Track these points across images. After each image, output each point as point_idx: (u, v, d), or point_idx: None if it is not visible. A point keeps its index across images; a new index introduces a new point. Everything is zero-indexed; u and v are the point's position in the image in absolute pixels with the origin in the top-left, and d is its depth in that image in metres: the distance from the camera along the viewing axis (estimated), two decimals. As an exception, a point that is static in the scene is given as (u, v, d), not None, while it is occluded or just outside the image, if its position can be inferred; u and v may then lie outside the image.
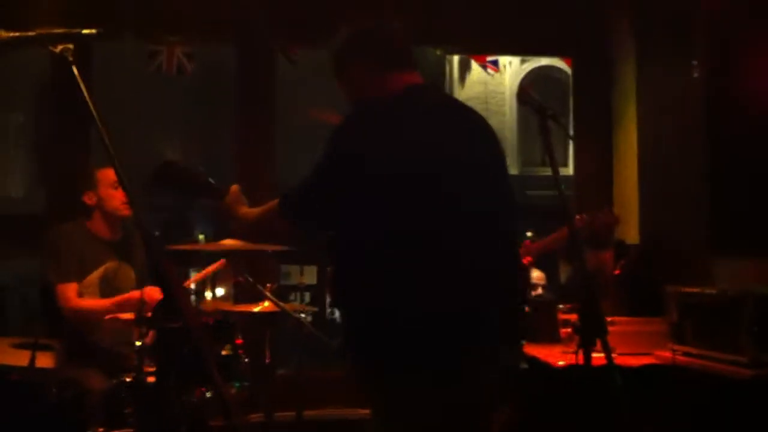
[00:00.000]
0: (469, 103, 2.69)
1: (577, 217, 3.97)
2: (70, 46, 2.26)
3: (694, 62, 4.30)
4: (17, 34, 2.25)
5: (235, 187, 2.69)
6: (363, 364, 2.29)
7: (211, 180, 2.68)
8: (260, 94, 5.39)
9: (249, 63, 5.39)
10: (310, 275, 7.30)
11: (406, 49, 2.54)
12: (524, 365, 3.63)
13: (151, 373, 3.22)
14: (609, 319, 2.30)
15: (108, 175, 4.06)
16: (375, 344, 2.26)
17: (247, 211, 2.65)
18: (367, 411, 2.40)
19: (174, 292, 2.11)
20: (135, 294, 3.64)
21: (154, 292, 3.53)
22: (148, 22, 5.06)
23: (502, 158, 2.49)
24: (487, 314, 2.23)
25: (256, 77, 5.38)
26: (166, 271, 2.09)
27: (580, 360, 2.13)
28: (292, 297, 7.28)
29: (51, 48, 2.26)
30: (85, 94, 2.24)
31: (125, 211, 4.05)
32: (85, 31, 2.27)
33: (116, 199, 4.04)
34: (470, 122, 2.47)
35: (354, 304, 2.34)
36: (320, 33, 5.23)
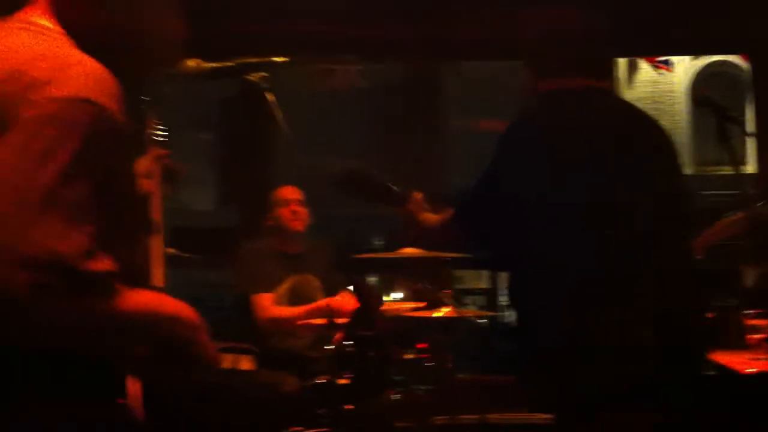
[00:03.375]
0: (639, 104, 2.68)
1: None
2: (264, 74, 2.43)
3: None
4: (217, 65, 2.45)
5: (418, 194, 2.78)
6: (534, 369, 2.35)
7: (394, 187, 2.79)
8: (427, 107, 5.52)
9: (415, 77, 5.55)
10: (484, 279, 7.35)
11: (588, 54, 2.55)
12: (709, 372, 3.55)
13: (342, 376, 3.39)
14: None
15: (284, 193, 4.35)
16: (544, 350, 2.31)
17: (429, 217, 2.74)
18: (548, 415, 2.45)
19: (368, 301, 2.25)
20: (323, 302, 3.84)
21: (341, 301, 3.73)
22: (323, 44, 5.29)
23: (664, 169, 2.48)
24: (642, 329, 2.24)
25: (422, 91, 5.52)
26: (360, 282, 2.23)
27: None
28: (467, 301, 7.36)
29: (246, 77, 2.45)
30: (279, 119, 2.42)
31: (298, 227, 4.31)
32: (277, 59, 2.44)
33: (290, 216, 4.31)
34: (631, 132, 2.46)
35: (525, 311, 2.40)
36: (481, 47, 5.33)
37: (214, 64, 2.43)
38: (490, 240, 2.52)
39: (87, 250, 1.35)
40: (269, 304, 4.13)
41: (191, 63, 2.37)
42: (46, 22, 1.61)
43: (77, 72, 1.45)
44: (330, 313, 3.55)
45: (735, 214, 3.75)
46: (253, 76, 2.43)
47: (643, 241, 2.29)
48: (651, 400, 2.20)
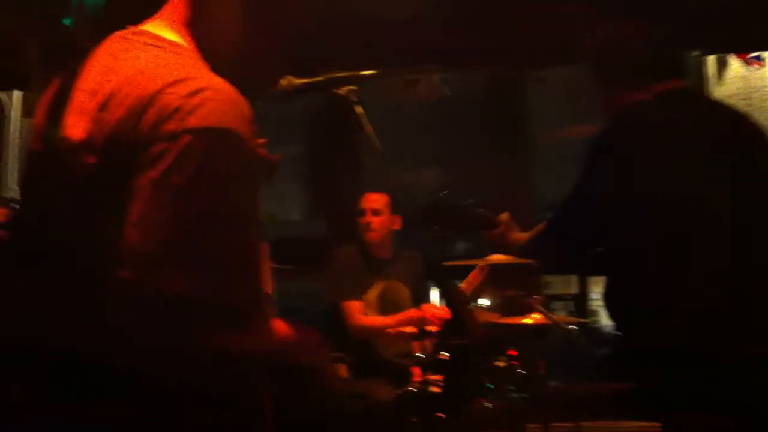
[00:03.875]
0: (730, 101, 2.66)
1: None
2: (354, 87, 2.47)
3: None
4: (307, 80, 2.50)
5: (505, 216, 2.79)
6: (637, 383, 2.33)
7: (482, 211, 2.80)
8: (511, 116, 5.52)
9: (498, 86, 5.55)
10: (573, 284, 7.29)
11: (662, 56, 2.54)
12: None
13: (434, 384, 3.42)
14: None
15: (363, 202, 4.41)
16: (650, 356, 2.28)
17: (519, 237, 2.76)
18: (645, 423, 2.42)
19: (460, 309, 2.27)
20: (414, 312, 3.89)
21: (432, 309, 3.76)
22: (405, 54, 5.33)
23: (751, 170, 2.43)
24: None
25: (506, 99, 5.52)
26: (451, 290, 2.26)
27: None
28: (554, 307, 7.31)
29: (336, 91, 2.50)
30: (369, 131, 2.46)
31: (371, 238, 4.36)
32: (366, 73, 2.47)
33: (364, 227, 4.37)
34: (728, 132, 2.44)
35: (625, 320, 2.39)
36: (563, 51, 5.29)
37: (304, 80, 2.47)
38: (589, 246, 2.51)
39: (232, 285, 1.31)
40: (359, 312, 4.20)
41: (282, 80, 2.43)
42: (177, 38, 1.51)
43: (214, 97, 1.35)
44: (420, 322, 3.60)
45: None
46: (342, 90, 2.47)
47: (748, 241, 2.28)
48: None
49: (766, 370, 2.17)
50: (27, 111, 6.30)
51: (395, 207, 4.47)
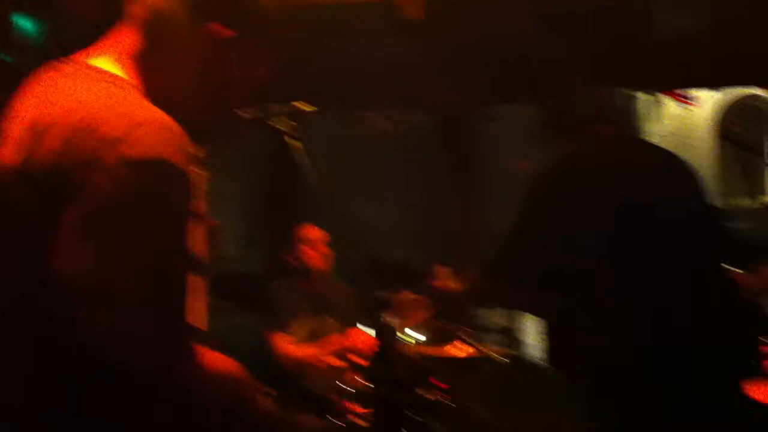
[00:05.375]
0: (666, 140, 2.74)
1: None
2: (294, 122, 2.50)
3: None
4: (246, 115, 2.52)
5: (440, 269, 2.83)
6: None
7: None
8: (462, 152, 5.60)
9: (449, 123, 5.63)
10: (502, 316, 7.37)
11: (603, 103, 2.60)
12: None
13: (362, 417, 3.43)
14: None
15: (308, 233, 4.46)
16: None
17: (453, 288, 2.79)
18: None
19: (387, 341, 2.30)
20: (338, 340, 3.93)
21: (359, 336, 3.80)
22: (349, 94, 5.37)
23: (694, 205, 2.49)
24: None
25: (457, 136, 5.61)
26: (380, 321, 2.29)
27: None
28: (485, 339, 7.37)
29: (272, 124, 2.52)
30: (307, 165, 2.49)
31: (321, 267, 4.40)
32: (305, 108, 2.51)
33: (315, 255, 4.40)
34: (658, 175, 2.51)
35: (558, 355, 2.43)
36: (515, 90, 5.39)
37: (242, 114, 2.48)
38: (530, 290, 2.53)
39: (162, 319, 1.29)
40: (287, 344, 4.22)
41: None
42: (118, 71, 1.49)
43: (152, 130, 1.33)
44: (345, 350, 3.63)
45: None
46: (281, 125, 2.48)
47: (687, 279, 2.37)
48: None
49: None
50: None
51: (330, 242, 4.51)
